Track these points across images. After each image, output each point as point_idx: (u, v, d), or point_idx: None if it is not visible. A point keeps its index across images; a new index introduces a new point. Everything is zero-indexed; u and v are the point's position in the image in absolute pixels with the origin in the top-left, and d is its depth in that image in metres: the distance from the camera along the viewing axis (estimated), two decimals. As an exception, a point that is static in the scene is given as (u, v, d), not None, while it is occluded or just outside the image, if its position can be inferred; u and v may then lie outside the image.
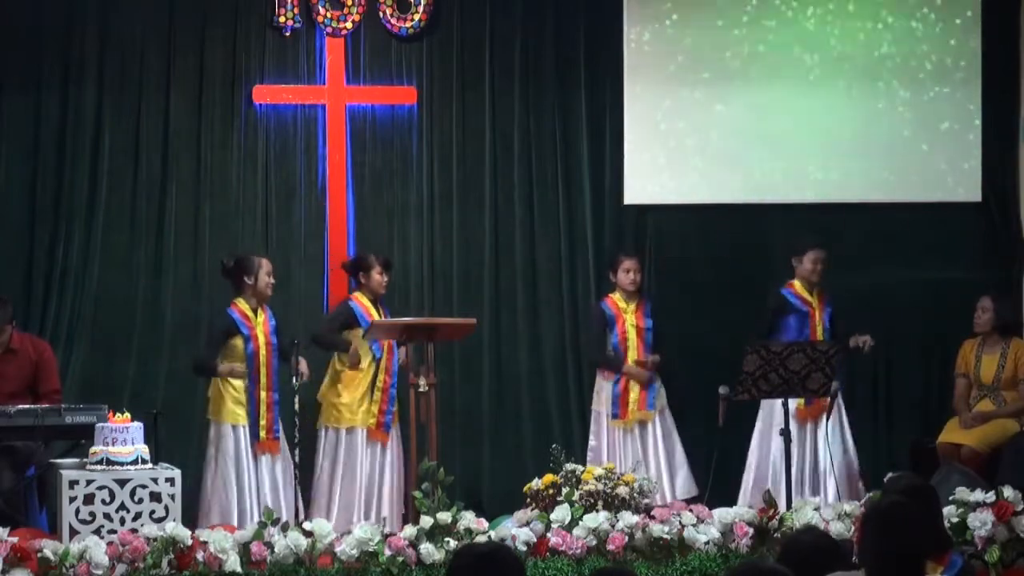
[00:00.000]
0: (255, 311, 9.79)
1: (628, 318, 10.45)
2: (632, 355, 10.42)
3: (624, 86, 11.09)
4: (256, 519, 9.00)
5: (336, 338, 10.03)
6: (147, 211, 10.67)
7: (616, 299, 10.51)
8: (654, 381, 10.47)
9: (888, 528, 5.17)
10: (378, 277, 10.14)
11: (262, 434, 9.69)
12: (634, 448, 10.41)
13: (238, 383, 9.69)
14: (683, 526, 8.48)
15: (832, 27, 11.21)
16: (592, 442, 10.49)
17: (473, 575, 4.62)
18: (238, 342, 9.72)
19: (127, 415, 8.76)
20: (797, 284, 10.48)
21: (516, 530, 8.42)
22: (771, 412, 10.20)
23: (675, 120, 11.13)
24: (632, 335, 10.43)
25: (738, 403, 9.64)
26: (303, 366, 9.54)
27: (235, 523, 9.33)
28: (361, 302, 10.08)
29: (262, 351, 9.73)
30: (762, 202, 11.22)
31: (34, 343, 9.69)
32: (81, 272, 10.54)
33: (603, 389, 10.50)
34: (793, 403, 9.95)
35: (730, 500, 9.35)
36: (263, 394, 9.71)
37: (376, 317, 9.95)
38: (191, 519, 9.19)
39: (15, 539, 7.94)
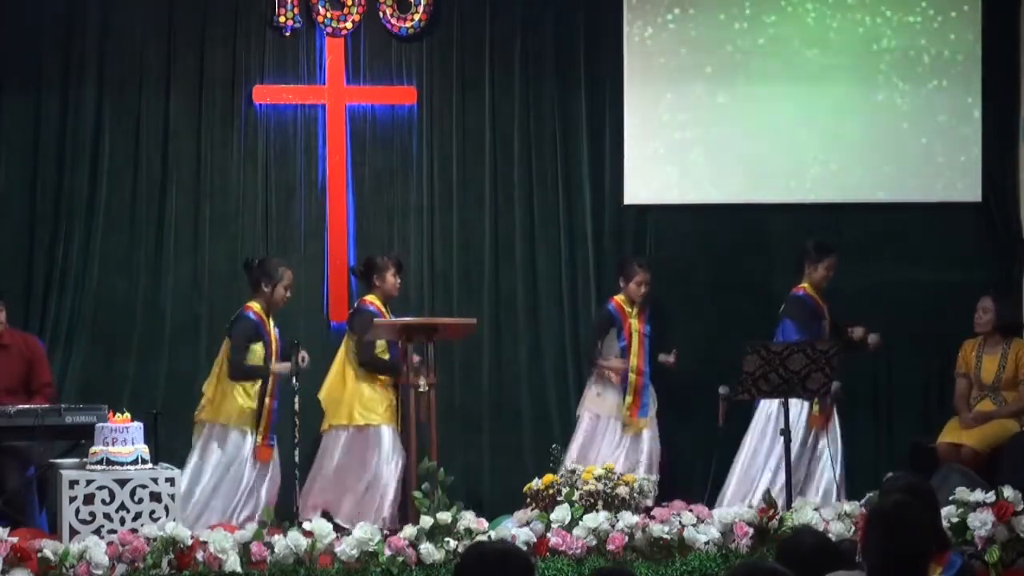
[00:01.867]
0: (267, 316, 9.77)
1: (632, 323, 10.46)
2: (633, 360, 10.41)
3: (624, 86, 11.09)
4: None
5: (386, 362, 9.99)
6: (147, 211, 10.67)
7: (621, 301, 10.50)
8: (648, 388, 10.47)
9: (893, 528, 5.16)
10: (392, 279, 10.12)
11: (259, 439, 9.68)
12: (629, 455, 10.39)
13: (252, 389, 9.65)
14: (683, 526, 8.49)
15: (832, 30, 11.21)
16: (580, 440, 10.44)
17: (484, 574, 4.60)
18: (258, 347, 9.69)
19: (127, 415, 8.76)
20: (807, 287, 10.43)
21: (516, 530, 8.42)
22: (768, 414, 10.20)
23: (675, 120, 11.13)
24: (635, 340, 10.44)
25: (738, 403, 9.65)
26: (303, 354, 9.50)
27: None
28: (376, 304, 10.04)
29: (274, 357, 9.73)
30: (762, 202, 11.22)
31: (24, 338, 9.71)
32: (81, 272, 10.54)
33: (607, 394, 10.47)
34: (799, 407, 9.97)
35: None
36: (267, 400, 9.70)
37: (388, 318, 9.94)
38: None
39: (15, 539, 7.95)
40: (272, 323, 9.80)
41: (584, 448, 10.40)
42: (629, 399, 10.39)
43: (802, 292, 10.41)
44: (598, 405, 10.49)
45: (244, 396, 9.68)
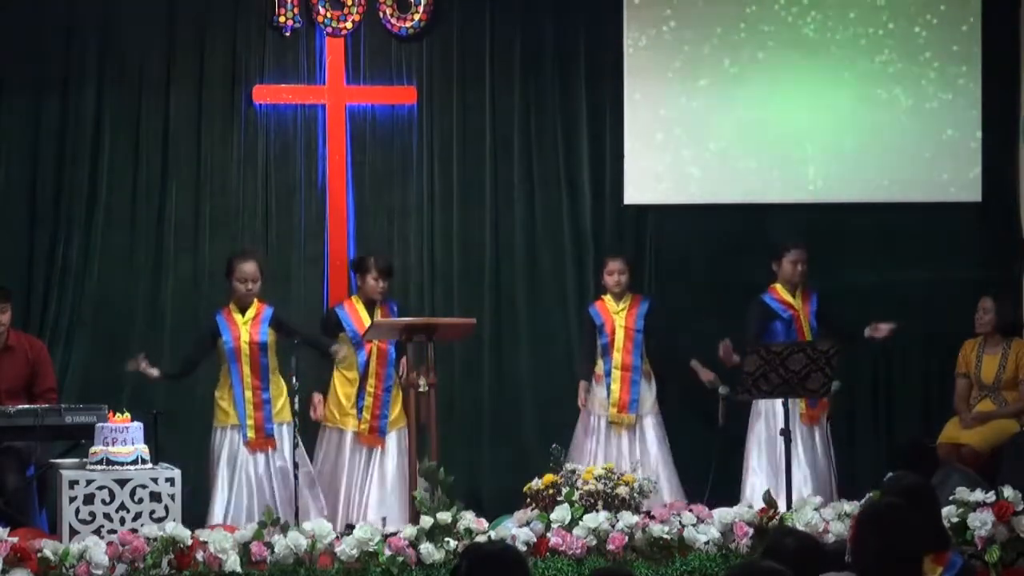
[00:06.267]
0: (241, 310, 9.78)
1: (618, 319, 10.43)
2: (616, 356, 10.38)
3: (624, 86, 11.09)
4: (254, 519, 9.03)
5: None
6: (147, 211, 10.67)
7: (607, 300, 10.49)
8: (638, 383, 10.43)
9: (883, 530, 5.15)
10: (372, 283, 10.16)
11: (250, 434, 9.68)
12: (630, 451, 10.39)
13: (226, 391, 9.70)
14: (683, 526, 8.49)
15: (833, 31, 11.21)
16: (579, 439, 10.46)
17: (480, 575, 4.62)
18: (220, 343, 9.75)
19: (127, 415, 8.76)
20: (779, 288, 10.44)
21: (516, 530, 8.43)
22: (772, 414, 10.17)
23: (675, 120, 11.13)
24: (620, 336, 10.40)
25: (738, 403, 9.65)
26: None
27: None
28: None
29: (244, 350, 9.71)
30: (762, 202, 11.21)
31: (30, 341, 9.72)
32: (81, 272, 10.54)
33: (594, 392, 10.48)
34: (797, 405, 9.97)
35: (730, 500, 9.33)
36: (247, 393, 9.68)
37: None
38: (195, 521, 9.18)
39: (15, 539, 7.95)
40: (250, 313, 9.77)
41: (579, 447, 10.42)
42: (614, 396, 10.37)
43: (766, 295, 10.39)
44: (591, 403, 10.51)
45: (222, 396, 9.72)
